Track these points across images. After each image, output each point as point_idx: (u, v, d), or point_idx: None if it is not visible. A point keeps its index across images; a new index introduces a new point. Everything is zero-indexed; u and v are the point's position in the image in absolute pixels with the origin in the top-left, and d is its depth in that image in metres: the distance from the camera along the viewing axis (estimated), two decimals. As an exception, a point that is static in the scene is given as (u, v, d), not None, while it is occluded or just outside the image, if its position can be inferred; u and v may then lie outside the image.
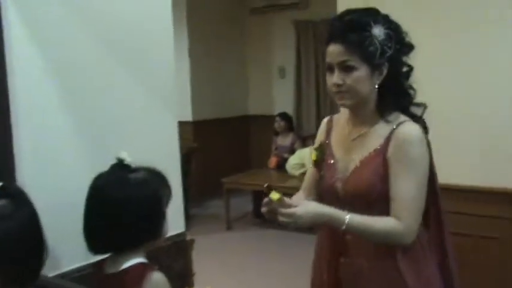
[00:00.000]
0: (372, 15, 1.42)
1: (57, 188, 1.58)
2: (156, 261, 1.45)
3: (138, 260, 1.39)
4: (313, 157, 1.60)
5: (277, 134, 5.48)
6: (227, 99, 6.21)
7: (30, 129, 1.53)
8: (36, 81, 1.54)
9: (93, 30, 1.70)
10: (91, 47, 1.69)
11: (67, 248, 1.56)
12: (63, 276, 1.59)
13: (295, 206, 1.35)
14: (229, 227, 4.89)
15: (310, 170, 1.66)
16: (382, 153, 1.43)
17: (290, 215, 1.34)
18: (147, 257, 1.43)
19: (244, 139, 6.40)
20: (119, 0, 1.79)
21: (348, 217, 1.36)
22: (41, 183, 1.53)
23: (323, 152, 1.57)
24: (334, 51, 1.41)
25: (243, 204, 5.33)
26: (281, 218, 1.35)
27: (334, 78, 1.42)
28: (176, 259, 1.89)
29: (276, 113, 5.66)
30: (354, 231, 1.40)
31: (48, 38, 1.57)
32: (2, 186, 1.14)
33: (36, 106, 1.55)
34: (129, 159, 1.41)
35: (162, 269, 1.40)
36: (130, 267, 1.38)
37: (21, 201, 1.17)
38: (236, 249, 4.39)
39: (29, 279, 1.17)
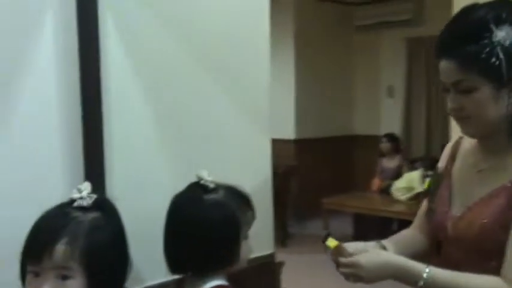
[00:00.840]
0: (495, 10, 1.12)
1: (143, 202, 1.57)
2: (240, 283, 1.39)
3: (217, 282, 1.33)
4: (426, 185, 1.43)
5: (382, 155, 5.25)
6: (332, 118, 6.10)
7: (120, 140, 1.54)
8: (127, 96, 1.56)
9: (187, 43, 1.69)
10: (184, 60, 1.68)
11: (151, 262, 1.54)
12: (147, 290, 1.58)
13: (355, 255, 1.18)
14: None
15: (424, 203, 1.42)
16: (510, 192, 1.14)
17: (350, 265, 1.18)
18: (231, 278, 1.37)
19: (347, 159, 6.23)
20: (214, 15, 1.77)
21: (428, 270, 1.12)
22: (127, 196, 1.53)
23: (438, 180, 1.34)
24: (446, 68, 1.17)
25: (343, 227, 5.15)
26: (341, 269, 1.20)
27: (450, 102, 1.19)
28: (262, 282, 1.81)
29: (382, 133, 5.45)
30: None
31: (141, 49, 1.58)
32: (96, 199, 1.15)
33: (125, 117, 1.56)
34: (208, 178, 1.36)
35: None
36: (211, 288, 1.33)
37: (112, 214, 1.19)
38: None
39: None
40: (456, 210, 1.25)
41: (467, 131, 1.22)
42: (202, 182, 1.36)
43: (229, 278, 1.37)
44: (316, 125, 5.85)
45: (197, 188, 1.36)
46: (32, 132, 1.40)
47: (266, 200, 1.94)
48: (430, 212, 1.34)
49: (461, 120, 1.20)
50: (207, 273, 1.34)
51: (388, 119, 5.96)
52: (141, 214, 1.55)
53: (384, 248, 1.34)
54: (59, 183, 1.42)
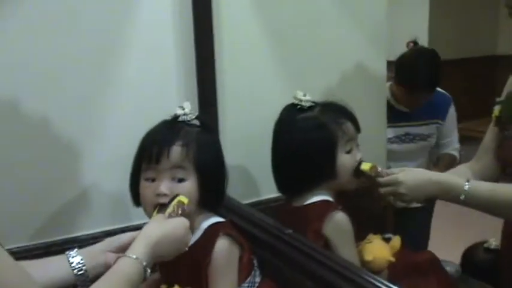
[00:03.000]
0: None
1: (253, 119, 1.61)
2: (351, 201, 1.40)
3: (322, 197, 1.36)
4: (496, 113, 1.32)
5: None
6: (471, 37, 5.60)
7: (231, 58, 1.57)
8: (238, 13, 1.57)
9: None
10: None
11: (264, 177, 1.60)
12: (259, 203, 1.65)
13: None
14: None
15: (491, 130, 1.37)
16: None
17: (390, 183, 1.15)
18: (341, 195, 1.39)
19: (488, 83, 5.75)
20: None
21: (469, 183, 1.10)
22: (237, 113, 1.60)
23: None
24: None
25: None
26: (382, 190, 1.16)
27: None
28: (373, 201, 1.80)
29: (529, 53, 4.91)
30: (476, 204, 1.12)
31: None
32: (197, 115, 1.24)
33: (236, 35, 1.57)
34: (303, 97, 1.36)
35: (355, 210, 1.35)
36: (314, 203, 1.36)
37: (211, 130, 1.30)
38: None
39: (217, 202, 1.27)
40: None
41: None
42: (296, 102, 1.37)
43: (337, 194, 1.39)
44: (453, 46, 5.42)
45: (292, 110, 1.38)
46: (149, 52, 1.48)
47: (380, 122, 1.89)
48: (505, 140, 1.29)
49: None
50: (310, 189, 1.37)
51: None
52: (251, 130, 1.60)
53: None
54: (174, 101, 1.49)
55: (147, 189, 1.19)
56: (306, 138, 1.33)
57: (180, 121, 1.22)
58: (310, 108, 1.37)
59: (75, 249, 1.03)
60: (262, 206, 1.62)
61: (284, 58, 1.67)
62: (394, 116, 2.09)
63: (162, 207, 1.11)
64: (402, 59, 2.21)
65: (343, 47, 1.76)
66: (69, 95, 1.39)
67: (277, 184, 1.43)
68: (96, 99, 1.43)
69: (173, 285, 1.18)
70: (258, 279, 1.26)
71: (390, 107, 2.05)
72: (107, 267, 0.95)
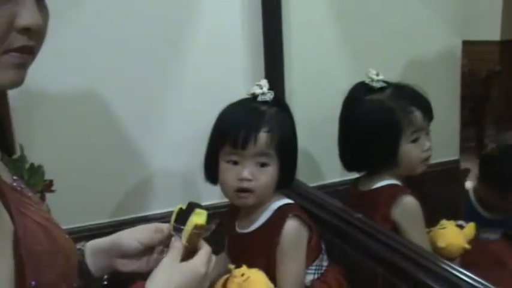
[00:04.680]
0: None
1: (320, 100, 1.58)
2: (421, 187, 1.37)
3: (390, 181, 1.32)
4: None
5: None
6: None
7: (298, 39, 1.54)
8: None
9: None
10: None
11: (328, 160, 1.58)
12: (324, 187, 1.63)
13: None
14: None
15: None
16: None
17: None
18: (411, 180, 1.34)
19: None
20: None
21: None
22: (305, 94, 1.57)
23: None
24: None
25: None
26: None
27: None
28: (444, 188, 1.73)
29: None
30: None
31: None
32: (275, 95, 1.23)
33: (304, 15, 1.54)
34: (375, 77, 1.31)
35: (425, 196, 1.31)
36: (383, 187, 1.32)
37: (288, 109, 1.26)
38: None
39: (290, 183, 1.26)
40: None
41: None
42: (368, 81, 1.33)
43: (407, 180, 1.34)
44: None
45: (362, 88, 1.34)
46: (216, 32, 1.48)
47: (453, 105, 1.81)
48: None
49: None
50: (376, 173, 1.34)
51: None
52: (318, 113, 1.57)
53: None
54: (240, 82, 1.51)
55: (229, 172, 1.19)
56: (370, 122, 1.29)
57: (259, 101, 1.20)
58: (380, 89, 1.32)
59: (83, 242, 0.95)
60: (329, 189, 1.59)
61: (353, 36, 1.62)
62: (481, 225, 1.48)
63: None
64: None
65: (416, 25, 1.69)
66: (138, 77, 1.41)
67: (342, 163, 1.40)
68: (163, 82, 1.45)
69: (241, 266, 1.18)
70: (325, 263, 1.25)
71: (475, 215, 1.57)
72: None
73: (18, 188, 0.75)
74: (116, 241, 0.95)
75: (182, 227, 0.86)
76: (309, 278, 1.22)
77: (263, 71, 1.53)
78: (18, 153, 1.17)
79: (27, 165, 1.13)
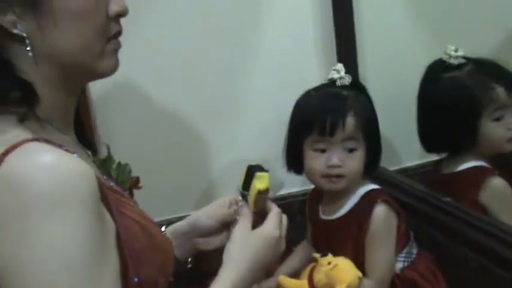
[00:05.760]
0: None
1: (395, 82, 1.54)
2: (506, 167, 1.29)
3: (475, 163, 1.28)
4: None
5: None
6: None
7: (370, 20, 1.50)
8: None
9: None
10: None
11: (407, 143, 1.54)
12: (404, 171, 1.59)
13: None
14: None
15: None
16: None
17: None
18: (493, 162, 1.29)
19: None
20: None
21: None
22: (379, 76, 1.53)
23: None
24: None
25: None
26: None
27: None
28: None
29: None
30: None
31: None
32: (352, 78, 1.22)
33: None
34: (453, 53, 1.26)
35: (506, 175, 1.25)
36: (468, 169, 1.28)
37: (366, 91, 1.24)
38: None
39: (377, 167, 1.25)
40: None
41: None
42: (446, 58, 1.28)
43: (493, 160, 1.29)
44: None
45: (439, 66, 1.29)
46: (289, 19, 1.47)
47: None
48: None
49: None
50: (459, 153, 1.29)
51: None
52: (393, 94, 1.53)
53: None
54: (314, 66, 1.50)
55: (316, 160, 1.18)
56: (450, 101, 1.25)
57: (338, 86, 1.19)
58: (459, 66, 1.27)
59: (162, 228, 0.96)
60: (409, 173, 1.55)
61: (429, 9, 1.56)
62: None
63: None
64: None
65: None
66: (214, 66, 1.43)
67: (422, 144, 1.36)
68: (238, 71, 1.46)
69: (326, 254, 1.17)
70: (414, 251, 1.23)
71: None
72: None
73: (115, 188, 0.78)
74: (193, 222, 0.98)
75: (247, 193, 0.86)
76: (399, 266, 1.20)
77: (335, 54, 1.50)
78: (104, 153, 1.21)
79: (114, 165, 1.17)
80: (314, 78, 1.37)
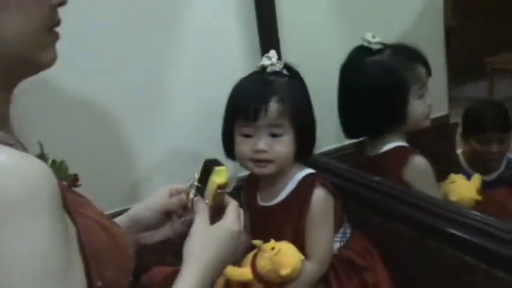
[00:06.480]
0: None
1: (316, 70, 1.58)
2: (417, 144, 1.38)
3: (397, 143, 1.35)
4: None
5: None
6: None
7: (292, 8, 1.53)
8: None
9: None
10: None
11: (326, 128, 1.58)
12: (326, 154, 1.64)
13: None
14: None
15: None
16: None
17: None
18: (408, 140, 1.37)
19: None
20: None
21: None
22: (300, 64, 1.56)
23: None
24: None
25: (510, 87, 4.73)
26: None
27: None
28: (438, 143, 1.78)
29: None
30: None
31: None
32: (285, 64, 1.22)
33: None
34: (372, 40, 1.32)
35: (424, 153, 1.33)
36: (391, 149, 1.35)
37: (299, 77, 1.25)
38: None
39: (310, 152, 1.26)
40: None
41: None
42: (366, 44, 1.33)
43: (408, 140, 1.37)
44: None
45: (361, 51, 1.34)
46: (211, 16, 1.45)
47: (439, 59, 1.85)
48: None
49: None
50: (382, 135, 1.35)
51: None
52: (314, 82, 1.57)
53: None
54: (240, 58, 1.50)
55: (244, 145, 1.19)
56: (378, 83, 1.29)
57: (269, 72, 1.20)
58: (379, 51, 1.33)
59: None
60: (331, 156, 1.61)
61: (341, 5, 1.63)
62: None
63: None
64: None
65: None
66: (142, 61, 1.38)
67: (345, 131, 1.41)
68: (165, 63, 1.42)
69: (268, 240, 1.16)
70: (348, 231, 1.27)
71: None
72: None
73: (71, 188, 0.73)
74: (134, 215, 0.95)
75: (204, 187, 0.85)
76: (336, 246, 1.24)
77: (258, 45, 1.51)
78: (36, 151, 1.12)
79: (49, 162, 1.08)
80: (240, 69, 1.37)
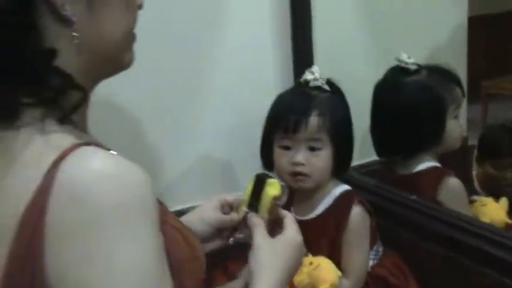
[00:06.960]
0: None
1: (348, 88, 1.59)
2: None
3: (431, 163, 1.36)
4: None
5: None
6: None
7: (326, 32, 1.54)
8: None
9: None
10: None
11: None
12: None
13: None
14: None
15: None
16: None
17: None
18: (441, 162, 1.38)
19: None
20: None
21: None
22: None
23: None
24: None
25: (504, 113, 4.81)
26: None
27: None
28: (456, 164, 1.79)
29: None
30: None
31: None
32: (327, 80, 1.23)
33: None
34: (409, 60, 1.34)
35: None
36: (425, 170, 1.35)
37: (341, 93, 1.26)
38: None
39: (347, 168, 1.26)
40: None
41: None
42: (402, 65, 1.35)
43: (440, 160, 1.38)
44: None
45: (398, 71, 1.36)
46: (246, 20, 1.45)
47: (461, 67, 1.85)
48: None
49: None
50: (415, 155, 1.36)
51: None
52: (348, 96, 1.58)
53: None
54: (271, 66, 1.50)
55: (283, 157, 1.19)
56: (418, 103, 1.31)
57: (311, 86, 1.20)
58: (416, 71, 1.35)
59: None
60: (357, 172, 1.61)
61: (373, 25, 1.64)
62: None
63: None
64: None
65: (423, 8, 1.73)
66: (176, 66, 1.37)
67: (378, 149, 1.42)
68: (200, 72, 1.41)
69: (306, 254, 1.16)
70: (380, 248, 1.27)
71: None
72: None
73: None
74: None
75: (256, 202, 0.84)
76: (369, 263, 1.23)
77: (291, 58, 1.51)
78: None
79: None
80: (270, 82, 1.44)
